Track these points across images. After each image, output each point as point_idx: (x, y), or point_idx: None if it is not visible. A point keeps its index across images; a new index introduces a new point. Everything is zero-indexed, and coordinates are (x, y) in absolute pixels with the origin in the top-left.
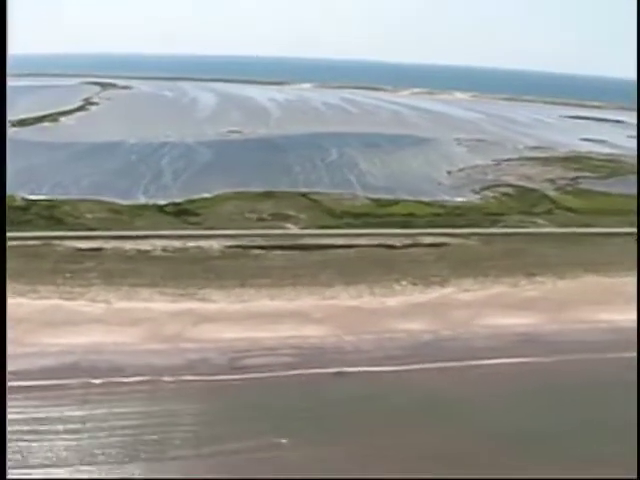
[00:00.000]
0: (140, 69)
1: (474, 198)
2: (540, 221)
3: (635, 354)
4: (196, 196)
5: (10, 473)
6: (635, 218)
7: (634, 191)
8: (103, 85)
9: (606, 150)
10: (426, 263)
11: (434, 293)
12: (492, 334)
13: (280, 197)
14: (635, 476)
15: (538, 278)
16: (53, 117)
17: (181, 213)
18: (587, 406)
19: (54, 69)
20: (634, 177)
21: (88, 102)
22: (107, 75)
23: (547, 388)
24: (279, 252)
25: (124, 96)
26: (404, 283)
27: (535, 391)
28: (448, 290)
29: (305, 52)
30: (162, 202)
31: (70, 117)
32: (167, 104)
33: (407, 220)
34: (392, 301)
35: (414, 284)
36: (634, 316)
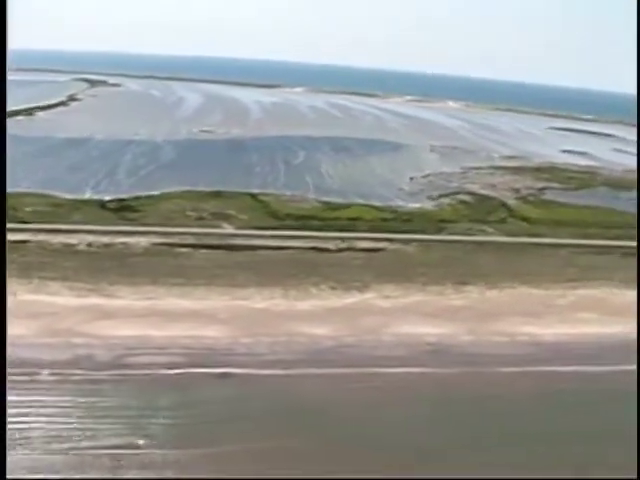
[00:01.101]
0: (138, 68)
1: (429, 205)
2: (489, 229)
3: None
4: (144, 193)
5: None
6: (594, 230)
7: (600, 203)
8: (93, 82)
9: (584, 162)
10: (354, 268)
11: (351, 298)
12: (400, 342)
13: (228, 197)
14: (635, 476)
15: (467, 287)
16: (29, 112)
17: (122, 209)
18: (467, 420)
19: (51, 65)
20: (605, 189)
21: (71, 98)
22: (101, 73)
23: (432, 400)
24: (205, 251)
25: (110, 93)
26: (323, 287)
27: (418, 402)
28: (367, 296)
29: (307, 57)
30: (107, 198)
31: (48, 112)
32: (151, 103)
33: (351, 224)
34: (304, 305)
35: (333, 288)
36: (559, 330)
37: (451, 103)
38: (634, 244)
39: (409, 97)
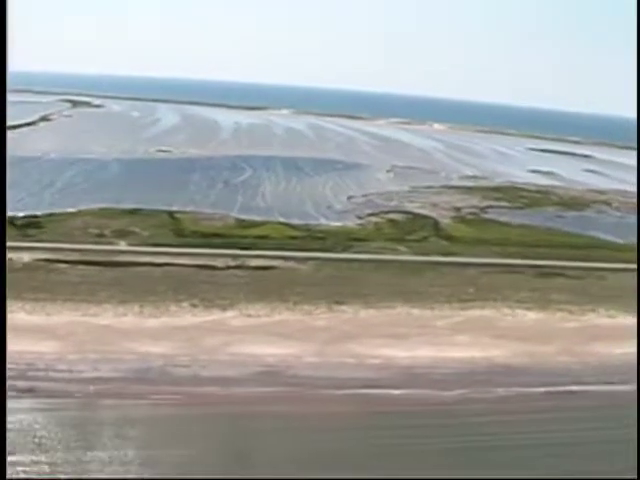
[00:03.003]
0: (134, 90)
1: (353, 223)
2: (403, 249)
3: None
4: (60, 210)
5: None
6: (516, 250)
7: (540, 223)
8: (76, 103)
9: (546, 182)
10: (232, 286)
11: (209, 317)
12: (235, 363)
13: (144, 214)
14: (635, 476)
15: (342, 307)
16: None
17: (27, 226)
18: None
19: (47, 87)
20: (553, 209)
21: (43, 119)
22: (90, 94)
23: (215, 417)
24: (82, 267)
25: (87, 114)
26: (184, 305)
27: (197, 419)
28: (227, 314)
29: (310, 82)
30: (20, 214)
31: (13, 132)
32: (124, 123)
33: (256, 242)
34: (154, 322)
35: (194, 306)
36: (422, 353)
37: (436, 125)
38: (551, 263)
39: (393, 119)
